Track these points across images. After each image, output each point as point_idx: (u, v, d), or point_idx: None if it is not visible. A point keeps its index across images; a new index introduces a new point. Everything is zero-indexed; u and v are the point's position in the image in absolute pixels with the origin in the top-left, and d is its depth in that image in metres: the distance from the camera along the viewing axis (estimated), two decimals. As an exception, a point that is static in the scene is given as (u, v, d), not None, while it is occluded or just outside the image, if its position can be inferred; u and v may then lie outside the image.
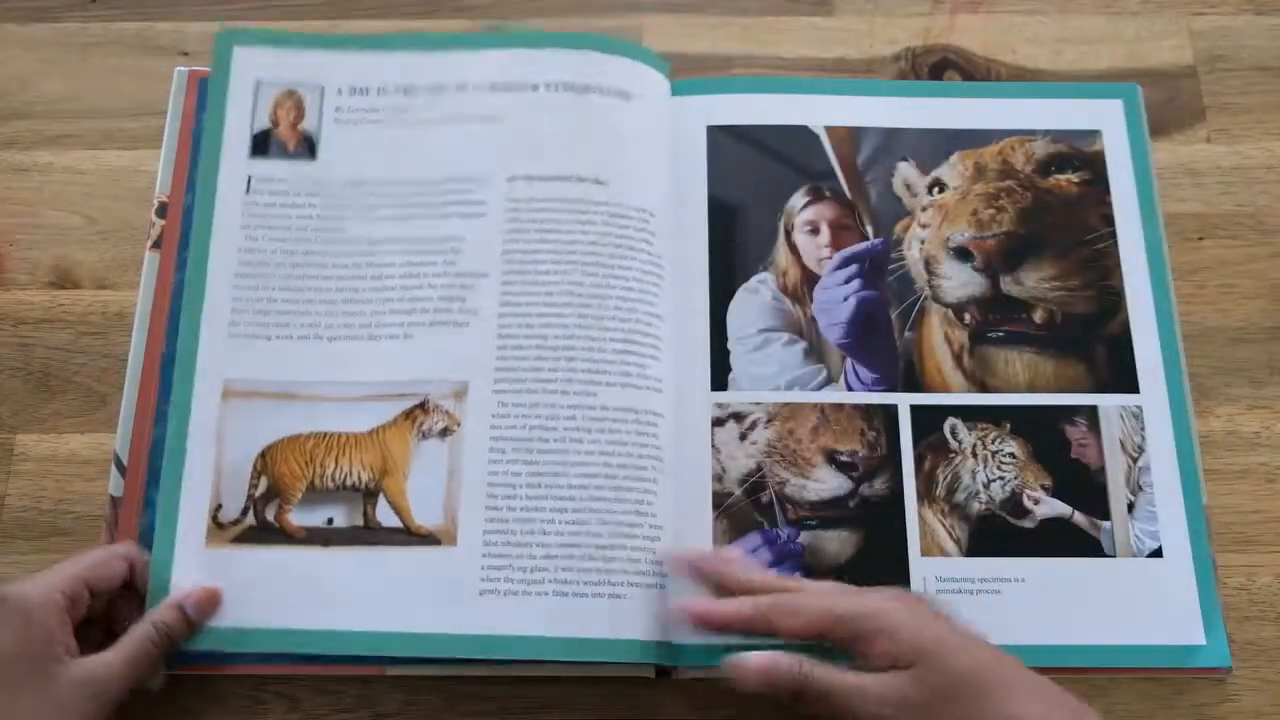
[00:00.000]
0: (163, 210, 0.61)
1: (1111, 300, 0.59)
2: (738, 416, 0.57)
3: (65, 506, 0.57)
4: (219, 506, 0.55)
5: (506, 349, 0.56)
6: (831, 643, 0.46)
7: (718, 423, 0.57)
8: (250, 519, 0.55)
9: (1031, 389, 0.58)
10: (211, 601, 0.52)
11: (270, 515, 0.55)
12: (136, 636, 0.50)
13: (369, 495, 0.55)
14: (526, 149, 0.59)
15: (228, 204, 0.59)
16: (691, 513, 0.55)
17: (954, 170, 0.62)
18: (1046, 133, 0.63)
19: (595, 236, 0.57)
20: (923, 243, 0.61)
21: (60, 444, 0.59)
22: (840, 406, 0.57)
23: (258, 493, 0.55)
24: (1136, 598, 0.54)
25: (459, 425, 0.55)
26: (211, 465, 0.55)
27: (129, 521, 0.55)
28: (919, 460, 0.57)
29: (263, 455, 0.56)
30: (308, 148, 0.61)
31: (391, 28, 0.68)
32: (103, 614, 0.52)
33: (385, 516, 0.55)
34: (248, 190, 0.59)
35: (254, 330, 0.57)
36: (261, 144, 0.61)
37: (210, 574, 0.53)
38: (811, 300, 0.60)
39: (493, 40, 0.62)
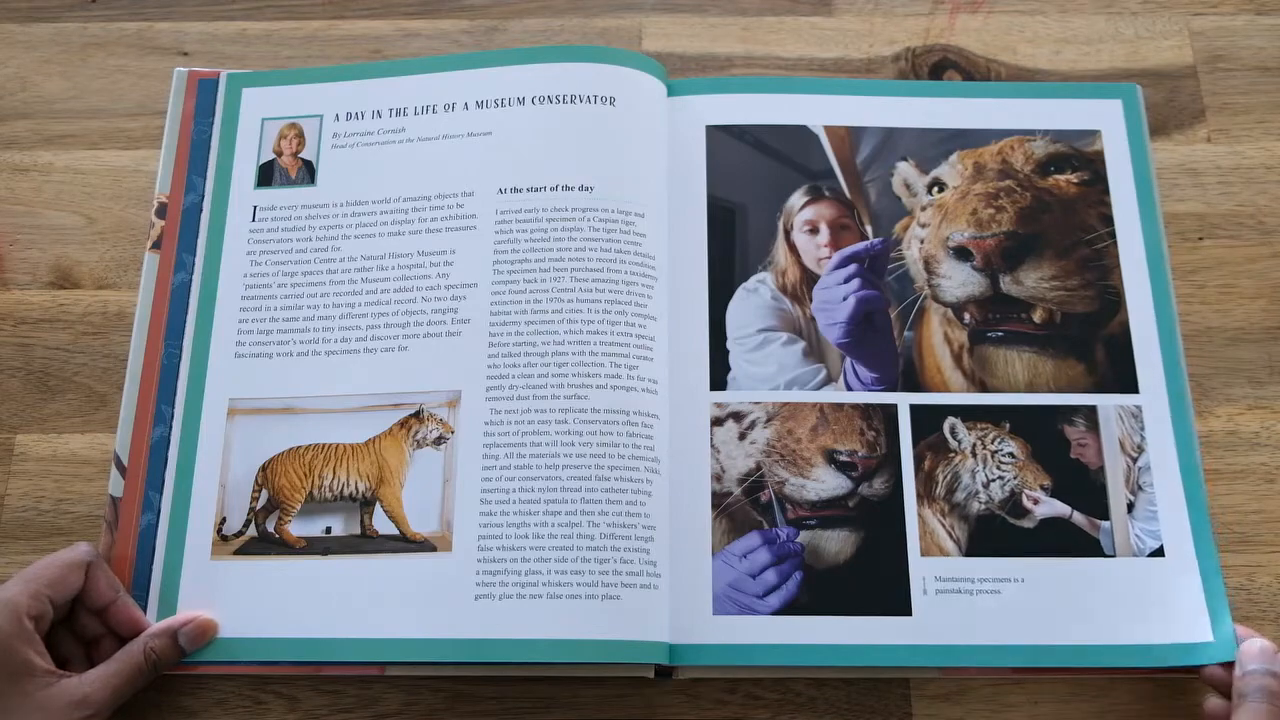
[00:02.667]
0: (162, 211, 0.61)
1: (1111, 300, 0.59)
2: (737, 416, 0.57)
3: (65, 506, 0.57)
4: (223, 520, 0.55)
5: (497, 356, 0.56)
6: None
7: (717, 422, 0.57)
8: (252, 531, 0.55)
9: (1031, 389, 0.58)
10: (206, 632, 0.53)
11: (271, 526, 0.56)
12: (127, 659, 0.51)
13: (366, 504, 0.56)
14: (514, 161, 0.60)
15: (235, 234, 0.61)
16: (691, 512, 0.55)
17: (953, 170, 0.62)
18: (1046, 133, 0.63)
19: (582, 242, 0.58)
20: (922, 242, 0.61)
21: (60, 444, 0.59)
22: (839, 406, 0.57)
23: (259, 505, 0.56)
24: (1137, 597, 0.54)
25: (453, 433, 0.56)
26: (216, 481, 0.56)
27: (129, 521, 0.55)
28: (918, 460, 0.56)
29: (263, 468, 0.56)
30: (308, 174, 0.62)
31: (390, 28, 0.68)
32: (64, 618, 0.52)
33: (382, 525, 0.55)
34: (253, 219, 0.61)
35: (257, 350, 0.58)
36: (266, 174, 0.62)
37: (214, 586, 0.54)
38: (811, 300, 0.60)
39: (480, 60, 0.63)
